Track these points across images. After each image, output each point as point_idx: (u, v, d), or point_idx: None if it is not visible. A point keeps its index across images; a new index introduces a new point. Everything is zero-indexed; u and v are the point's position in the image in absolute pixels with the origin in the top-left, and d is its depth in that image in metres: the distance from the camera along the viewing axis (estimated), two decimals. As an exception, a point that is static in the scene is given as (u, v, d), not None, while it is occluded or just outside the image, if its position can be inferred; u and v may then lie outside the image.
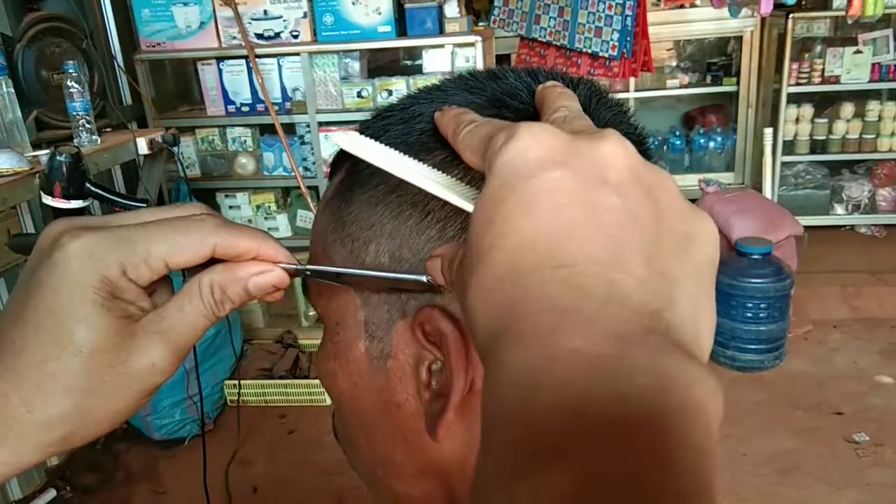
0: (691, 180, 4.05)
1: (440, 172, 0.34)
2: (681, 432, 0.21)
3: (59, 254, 0.33)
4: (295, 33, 2.84)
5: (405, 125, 0.39)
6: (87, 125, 2.08)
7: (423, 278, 0.34)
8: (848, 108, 3.79)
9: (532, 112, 0.37)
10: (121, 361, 0.34)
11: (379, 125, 0.40)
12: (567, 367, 0.22)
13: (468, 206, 0.32)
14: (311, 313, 3.11)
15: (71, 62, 2.05)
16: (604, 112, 0.39)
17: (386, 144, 0.37)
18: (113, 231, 0.34)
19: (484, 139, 0.30)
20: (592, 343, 0.22)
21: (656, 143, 4.37)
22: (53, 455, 0.35)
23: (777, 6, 2.92)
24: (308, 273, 0.38)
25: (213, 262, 0.37)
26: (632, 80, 3.96)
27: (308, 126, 2.94)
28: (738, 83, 4.19)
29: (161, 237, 0.35)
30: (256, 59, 2.84)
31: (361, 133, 0.40)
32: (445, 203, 0.35)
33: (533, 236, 0.25)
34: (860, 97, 3.80)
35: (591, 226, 0.25)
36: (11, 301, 0.35)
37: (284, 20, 2.82)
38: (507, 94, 0.38)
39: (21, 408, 0.33)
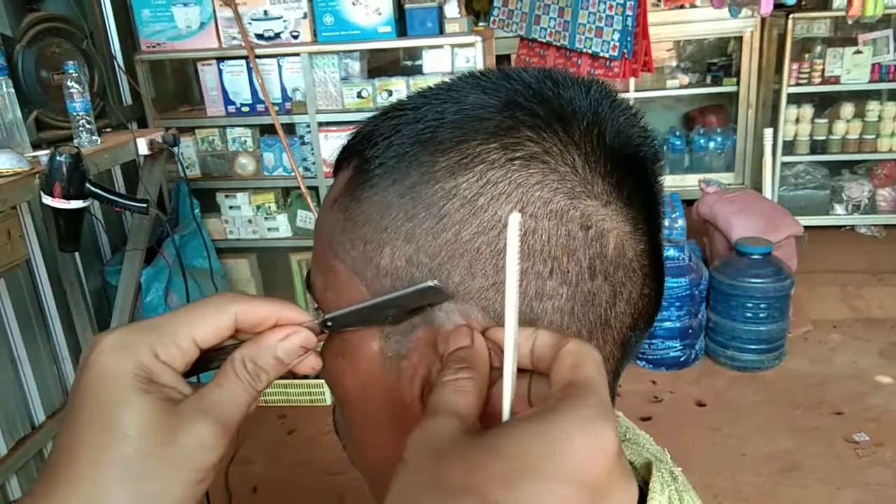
0: (691, 180, 4.05)
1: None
2: None
3: (94, 354, 0.36)
4: (295, 34, 2.84)
5: (419, 124, 0.38)
6: (87, 125, 2.08)
7: (431, 283, 0.35)
8: (848, 109, 3.80)
9: (545, 115, 0.37)
10: (168, 440, 0.35)
11: (390, 124, 0.39)
12: None
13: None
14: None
15: (71, 62, 2.05)
16: (616, 115, 0.39)
17: (398, 143, 0.37)
18: (141, 322, 0.37)
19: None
20: None
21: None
22: None
23: (777, 6, 2.92)
24: (330, 324, 0.39)
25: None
26: (632, 80, 3.96)
27: (308, 126, 2.94)
28: (738, 83, 4.19)
29: (184, 315, 0.37)
30: (256, 60, 2.84)
31: (371, 130, 0.40)
32: (461, 206, 0.36)
33: None
34: (860, 97, 3.80)
35: None
36: (62, 422, 0.36)
37: (284, 20, 2.82)
38: (521, 95, 0.38)
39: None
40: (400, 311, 0.37)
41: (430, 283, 0.35)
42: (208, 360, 0.39)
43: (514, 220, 0.31)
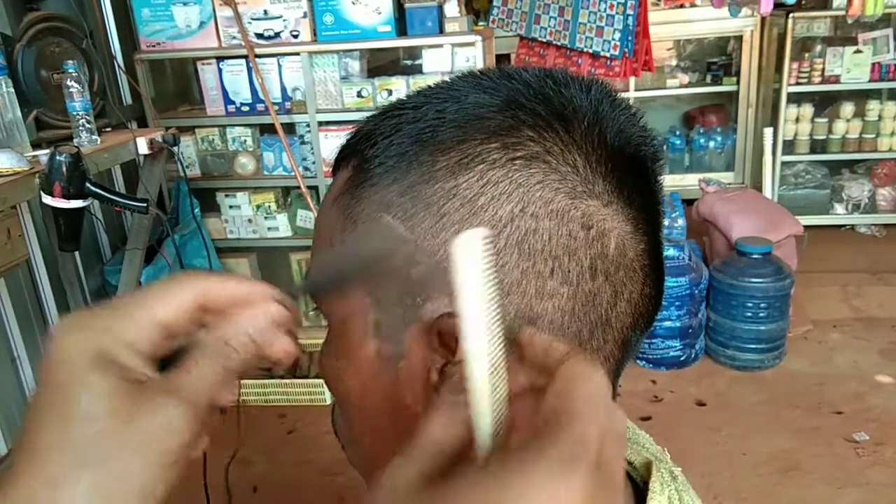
0: (691, 180, 4.05)
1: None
2: None
3: (56, 337, 0.34)
4: (295, 33, 2.84)
5: (419, 123, 0.38)
6: (87, 125, 2.08)
7: (384, 220, 0.35)
8: (848, 108, 3.79)
9: (546, 114, 0.37)
10: (131, 418, 0.33)
11: (390, 123, 0.39)
12: None
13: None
14: (310, 313, 3.11)
15: (71, 62, 2.05)
16: (617, 114, 0.39)
17: (398, 143, 0.37)
18: (102, 304, 0.36)
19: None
20: None
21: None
22: None
23: (777, 6, 2.92)
24: (300, 289, 0.38)
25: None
26: (632, 79, 3.96)
27: (308, 126, 2.94)
28: (738, 83, 4.19)
29: (143, 295, 0.35)
30: (256, 59, 2.84)
31: (372, 129, 0.40)
32: (461, 205, 0.36)
33: None
34: (860, 97, 3.80)
35: None
36: (27, 411, 0.35)
37: (284, 20, 2.82)
38: (522, 95, 0.38)
39: (43, 491, 0.32)
40: (370, 264, 0.36)
41: (382, 221, 0.34)
42: (184, 355, 0.37)
43: (476, 237, 0.27)
